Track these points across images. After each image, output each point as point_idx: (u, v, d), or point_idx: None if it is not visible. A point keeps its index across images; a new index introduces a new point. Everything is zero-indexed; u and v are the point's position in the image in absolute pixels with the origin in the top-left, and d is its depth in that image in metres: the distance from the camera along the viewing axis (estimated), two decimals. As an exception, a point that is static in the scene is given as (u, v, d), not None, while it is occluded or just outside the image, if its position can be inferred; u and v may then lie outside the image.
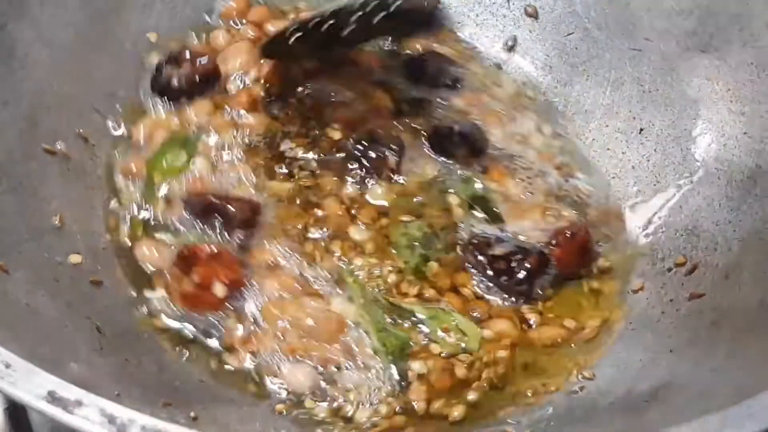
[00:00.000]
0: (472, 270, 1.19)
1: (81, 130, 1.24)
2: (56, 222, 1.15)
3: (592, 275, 1.22)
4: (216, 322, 1.13)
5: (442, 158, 1.29)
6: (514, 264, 1.18)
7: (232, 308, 1.13)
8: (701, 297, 1.14)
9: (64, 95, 1.23)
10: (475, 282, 1.18)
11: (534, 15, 1.43)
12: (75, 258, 1.13)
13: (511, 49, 1.44)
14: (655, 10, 1.33)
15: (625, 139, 1.33)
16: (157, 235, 1.20)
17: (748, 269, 1.13)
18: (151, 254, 1.18)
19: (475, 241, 1.20)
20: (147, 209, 1.22)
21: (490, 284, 1.18)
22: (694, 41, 1.29)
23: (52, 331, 1.01)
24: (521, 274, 1.17)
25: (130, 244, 1.19)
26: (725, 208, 1.20)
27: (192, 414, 1.00)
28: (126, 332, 1.11)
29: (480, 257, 1.18)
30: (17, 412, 1.03)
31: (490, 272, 1.18)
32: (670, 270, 1.20)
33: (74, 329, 1.04)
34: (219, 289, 1.12)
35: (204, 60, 1.30)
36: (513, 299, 1.17)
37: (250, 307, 1.13)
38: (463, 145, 1.29)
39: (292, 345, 1.10)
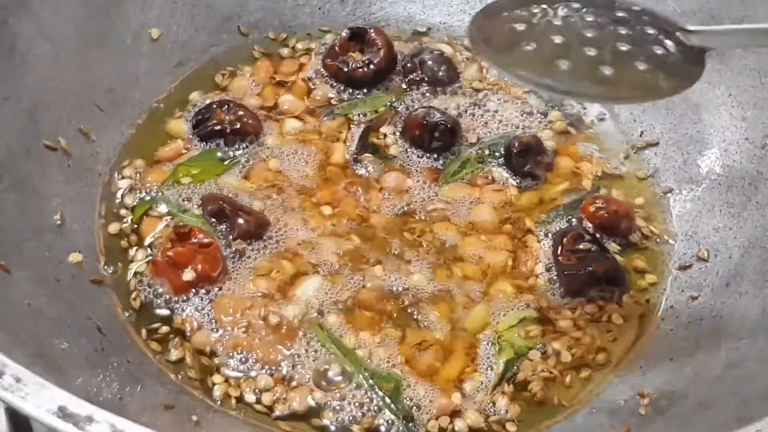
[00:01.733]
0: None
1: (82, 126, 1.24)
2: (57, 220, 1.14)
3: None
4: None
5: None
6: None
7: (187, 297, 1.14)
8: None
9: (65, 91, 1.23)
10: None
11: (536, 14, 1.43)
12: (76, 257, 1.13)
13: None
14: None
15: (625, 140, 1.33)
16: (161, 210, 1.23)
17: (748, 277, 1.13)
18: (151, 226, 1.21)
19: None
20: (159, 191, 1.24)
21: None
22: (696, 44, 1.29)
23: (54, 333, 1.00)
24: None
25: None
26: (726, 215, 1.21)
27: (194, 418, 1.00)
28: (127, 333, 1.11)
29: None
30: (18, 412, 1.02)
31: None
32: (670, 275, 1.20)
33: (76, 330, 1.03)
34: (187, 275, 1.14)
35: (248, 119, 1.30)
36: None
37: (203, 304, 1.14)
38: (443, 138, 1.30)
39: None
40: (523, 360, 1.11)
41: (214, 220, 1.20)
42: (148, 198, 1.23)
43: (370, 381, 1.07)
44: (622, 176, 1.30)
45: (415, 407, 1.06)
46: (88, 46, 1.27)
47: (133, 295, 1.14)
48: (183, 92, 1.35)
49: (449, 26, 1.46)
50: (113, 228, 1.20)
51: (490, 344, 1.12)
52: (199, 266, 1.14)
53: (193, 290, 1.14)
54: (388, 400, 1.06)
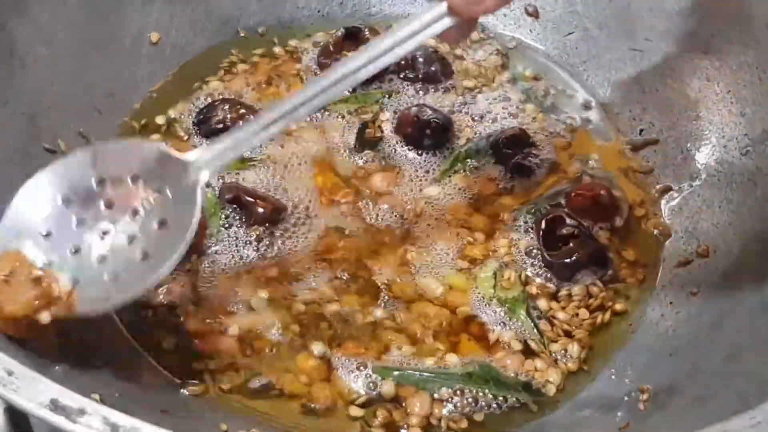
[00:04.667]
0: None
1: (81, 129, 1.24)
2: (57, 222, 1.15)
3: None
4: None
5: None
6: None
7: None
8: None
9: (65, 94, 1.24)
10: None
11: (534, 14, 1.43)
12: (75, 258, 1.13)
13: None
14: (655, 10, 1.33)
15: (624, 138, 1.33)
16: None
17: (748, 272, 1.12)
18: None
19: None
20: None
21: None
22: (695, 42, 1.29)
23: (53, 333, 1.00)
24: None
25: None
26: (725, 211, 1.20)
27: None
28: (126, 332, 1.11)
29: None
30: (17, 412, 1.02)
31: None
32: (669, 271, 1.20)
33: (74, 329, 1.03)
34: None
35: (250, 115, 1.30)
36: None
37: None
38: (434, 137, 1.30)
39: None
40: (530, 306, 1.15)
41: (231, 207, 1.20)
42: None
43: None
44: (620, 173, 1.30)
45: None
46: (87, 50, 1.27)
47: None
48: (183, 93, 1.35)
49: (449, 27, 1.46)
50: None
51: (492, 310, 1.14)
52: None
53: None
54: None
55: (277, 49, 1.42)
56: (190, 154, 1.01)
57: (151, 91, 1.35)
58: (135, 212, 1.01)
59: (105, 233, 1.00)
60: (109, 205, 1.01)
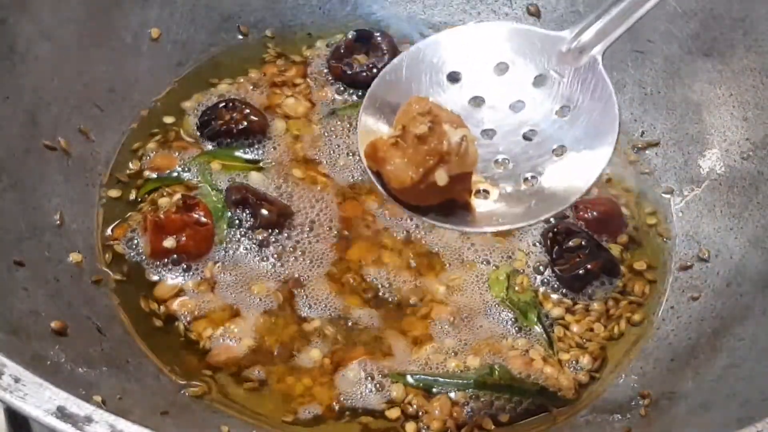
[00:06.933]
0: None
1: (81, 126, 1.23)
2: (56, 220, 1.14)
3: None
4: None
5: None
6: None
7: (164, 265, 1.17)
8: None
9: (65, 90, 1.23)
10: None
11: (536, 14, 1.43)
12: (76, 257, 1.13)
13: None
14: (658, 12, 1.32)
15: (626, 140, 1.33)
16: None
17: (749, 277, 1.13)
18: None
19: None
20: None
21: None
22: (697, 44, 1.29)
23: (54, 333, 1.00)
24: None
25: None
26: (726, 215, 1.20)
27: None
28: (127, 333, 1.10)
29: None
30: (17, 412, 1.02)
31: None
32: (671, 276, 1.20)
33: (75, 330, 1.03)
34: (168, 242, 1.16)
35: (254, 116, 1.30)
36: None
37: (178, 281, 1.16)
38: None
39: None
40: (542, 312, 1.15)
41: (237, 209, 1.20)
42: (175, 175, 1.26)
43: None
44: (622, 177, 1.29)
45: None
46: (87, 46, 1.26)
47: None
48: (183, 92, 1.35)
49: (450, 26, 1.45)
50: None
51: (502, 311, 1.15)
52: (184, 238, 1.15)
53: (167, 259, 1.16)
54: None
55: (284, 50, 1.42)
56: (565, 32, 0.95)
57: (157, 100, 1.34)
58: (517, 104, 0.93)
59: (489, 132, 0.93)
60: (480, 102, 0.94)
